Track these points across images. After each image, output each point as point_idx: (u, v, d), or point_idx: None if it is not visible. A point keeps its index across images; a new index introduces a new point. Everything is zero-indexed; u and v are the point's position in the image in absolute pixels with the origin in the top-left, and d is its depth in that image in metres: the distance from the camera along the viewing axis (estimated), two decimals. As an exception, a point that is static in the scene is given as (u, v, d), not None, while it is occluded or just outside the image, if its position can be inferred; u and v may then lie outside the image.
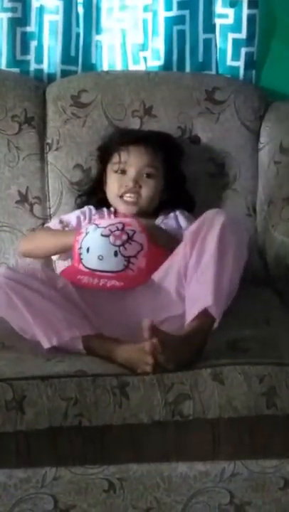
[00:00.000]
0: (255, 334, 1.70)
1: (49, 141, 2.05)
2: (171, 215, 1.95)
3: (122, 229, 1.75)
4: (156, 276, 1.75)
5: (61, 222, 1.96)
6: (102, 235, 1.75)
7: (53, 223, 1.98)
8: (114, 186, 1.93)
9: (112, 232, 1.75)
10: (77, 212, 1.98)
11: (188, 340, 1.57)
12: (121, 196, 1.92)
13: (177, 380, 1.52)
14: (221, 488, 1.59)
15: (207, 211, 1.70)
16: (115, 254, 1.73)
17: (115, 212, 1.97)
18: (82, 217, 1.96)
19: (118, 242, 1.74)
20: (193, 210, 1.99)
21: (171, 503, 1.59)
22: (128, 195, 1.91)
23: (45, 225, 2.00)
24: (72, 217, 1.97)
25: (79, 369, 1.54)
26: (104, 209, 1.98)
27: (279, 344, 1.66)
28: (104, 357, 1.60)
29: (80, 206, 2.02)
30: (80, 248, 1.77)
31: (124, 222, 1.78)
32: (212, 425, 1.54)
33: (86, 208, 1.98)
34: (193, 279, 1.65)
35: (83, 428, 1.51)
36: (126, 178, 1.91)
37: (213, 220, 1.66)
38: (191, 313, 1.61)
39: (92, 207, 1.99)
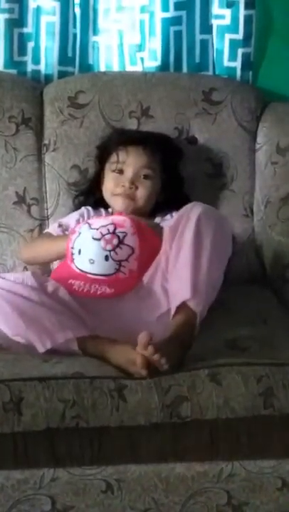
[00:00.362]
0: (253, 334, 1.70)
1: (46, 142, 2.05)
2: (168, 216, 1.95)
3: (113, 232, 1.75)
4: (145, 276, 1.76)
5: (60, 225, 1.96)
6: (94, 238, 1.75)
7: (53, 228, 1.98)
8: (110, 185, 1.93)
9: (103, 235, 1.74)
10: (76, 214, 1.98)
11: (175, 338, 1.57)
12: (116, 194, 1.92)
13: (175, 382, 1.52)
14: (219, 489, 1.59)
15: (185, 206, 1.71)
16: (106, 258, 1.73)
17: (112, 213, 1.97)
18: (80, 219, 1.95)
19: (109, 247, 1.74)
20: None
21: (169, 503, 1.59)
22: (124, 195, 1.91)
23: (45, 231, 2.00)
24: (71, 221, 1.96)
25: (77, 371, 1.54)
26: (102, 210, 1.98)
27: (276, 344, 1.67)
28: (99, 358, 1.60)
29: (77, 207, 2.02)
30: (73, 248, 1.77)
31: (115, 223, 1.77)
32: (210, 426, 1.54)
33: (84, 209, 1.99)
34: (173, 274, 1.66)
35: (81, 429, 1.52)
36: (123, 178, 1.92)
37: (189, 214, 1.67)
38: (172, 308, 1.62)
39: (89, 208, 1.99)
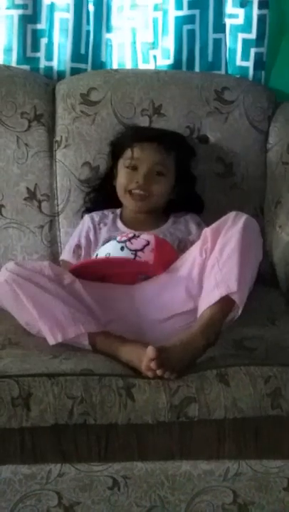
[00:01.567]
0: (261, 334, 1.71)
1: (58, 138, 2.05)
2: (182, 219, 1.96)
3: (131, 231, 1.77)
4: (166, 273, 1.76)
5: (74, 251, 1.94)
6: (109, 240, 1.77)
7: (68, 256, 1.94)
8: (124, 181, 1.93)
9: (118, 234, 1.76)
10: (83, 230, 1.95)
11: (200, 332, 1.57)
12: (130, 192, 1.92)
13: (183, 383, 1.53)
14: (225, 488, 1.60)
15: (229, 213, 1.72)
16: (121, 249, 1.74)
17: (121, 214, 1.97)
18: (89, 232, 1.94)
19: (124, 239, 1.75)
20: (202, 212, 1.99)
21: (175, 501, 1.60)
22: (137, 191, 1.91)
23: (61, 259, 1.97)
24: (81, 239, 1.94)
25: (85, 368, 1.55)
26: (110, 214, 1.97)
27: (284, 345, 1.67)
28: (110, 355, 1.61)
29: (88, 203, 2.02)
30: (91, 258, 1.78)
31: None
32: (217, 425, 1.55)
33: (87, 218, 1.97)
34: (215, 268, 1.65)
35: (88, 426, 1.52)
36: (137, 174, 1.92)
37: (236, 219, 1.68)
38: (212, 298, 1.61)
39: (93, 214, 1.98)
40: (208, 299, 1.62)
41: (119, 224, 1.95)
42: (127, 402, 1.51)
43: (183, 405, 1.52)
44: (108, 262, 1.75)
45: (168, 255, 1.77)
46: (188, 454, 1.58)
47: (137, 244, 1.74)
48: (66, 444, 1.54)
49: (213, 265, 1.66)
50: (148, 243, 1.75)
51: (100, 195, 2.02)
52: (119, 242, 1.75)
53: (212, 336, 1.57)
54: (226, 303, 1.60)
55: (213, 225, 1.72)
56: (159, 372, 1.51)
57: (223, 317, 1.60)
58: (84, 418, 1.51)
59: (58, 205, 2.05)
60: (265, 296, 1.89)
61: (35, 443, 1.54)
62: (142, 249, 1.74)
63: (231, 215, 1.71)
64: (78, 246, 1.94)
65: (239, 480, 1.60)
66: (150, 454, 1.57)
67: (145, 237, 1.77)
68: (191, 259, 1.73)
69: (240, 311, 1.62)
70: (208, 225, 1.76)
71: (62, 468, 1.56)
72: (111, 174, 1.99)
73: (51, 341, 1.62)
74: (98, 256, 1.77)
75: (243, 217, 1.69)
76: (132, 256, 1.73)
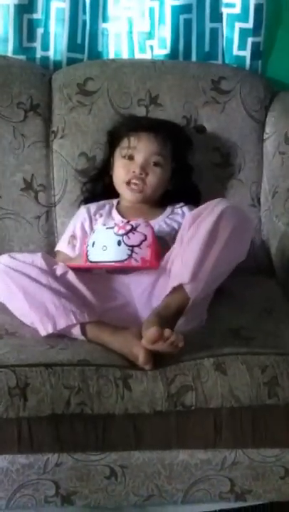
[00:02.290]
0: (258, 324, 1.71)
1: (54, 128, 2.05)
2: (179, 210, 1.96)
3: (128, 222, 1.76)
4: (160, 262, 1.76)
5: (69, 242, 1.94)
6: (108, 228, 1.76)
7: (63, 246, 1.94)
8: (120, 172, 1.93)
9: (116, 224, 1.76)
10: (78, 220, 1.95)
11: (162, 315, 1.58)
12: (127, 183, 1.92)
13: (180, 372, 1.53)
14: (222, 477, 1.60)
15: (214, 199, 1.71)
16: (118, 243, 1.73)
17: (118, 204, 1.97)
18: (84, 222, 1.94)
19: (121, 232, 1.75)
20: (199, 202, 1.99)
21: (172, 490, 1.60)
22: (134, 181, 1.91)
23: (56, 249, 1.97)
24: (76, 229, 1.94)
25: (82, 358, 1.55)
26: (106, 204, 1.97)
27: (281, 334, 1.67)
28: (102, 345, 1.61)
29: (85, 193, 2.02)
30: (87, 246, 1.78)
31: (129, 219, 1.79)
32: (214, 414, 1.55)
33: (83, 209, 1.97)
34: (179, 258, 1.66)
35: (85, 416, 1.53)
36: (133, 164, 1.91)
37: (214, 207, 1.67)
38: (169, 287, 1.63)
39: (89, 205, 1.98)
40: (167, 288, 1.63)
41: (116, 214, 1.95)
42: (124, 392, 1.51)
43: (180, 394, 1.52)
44: (104, 267, 1.75)
45: (161, 248, 1.77)
46: (185, 444, 1.58)
47: (135, 239, 1.74)
48: (63, 434, 1.55)
49: (178, 254, 1.67)
50: (145, 238, 1.75)
51: (97, 185, 2.02)
52: (116, 234, 1.75)
53: (167, 322, 1.56)
54: (180, 293, 1.61)
55: (193, 212, 1.72)
56: (180, 340, 1.50)
57: (176, 307, 1.60)
58: (81, 408, 1.51)
59: (54, 196, 2.05)
60: (262, 286, 1.90)
61: (32, 433, 1.54)
62: (138, 245, 1.73)
63: (213, 202, 1.69)
64: (73, 236, 1.94)
65: (236, 469, 1.60)
66: (147, 444, 1.57)
67: (142, 229, 1.76)
68: (174, 249, 1.73)
69: (190, 302, 1.60)
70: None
71: (59, 458, 1.57)
72: (108, 164, 1.99)
73: (42, 332, 1.63)
74: (95, 244, 1.76)
75: (222, 207, 1.66)
76: (129, 252, 1.73)
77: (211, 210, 1.66)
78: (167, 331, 1.51)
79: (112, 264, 1.72)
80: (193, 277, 1.60)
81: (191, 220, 1.69)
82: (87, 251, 1.76)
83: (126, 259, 1.72)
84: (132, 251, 1.73)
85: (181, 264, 1.63)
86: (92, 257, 1.74)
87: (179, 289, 1.61)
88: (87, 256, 1.75)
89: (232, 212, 1.66)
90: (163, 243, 1.79)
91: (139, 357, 1.53)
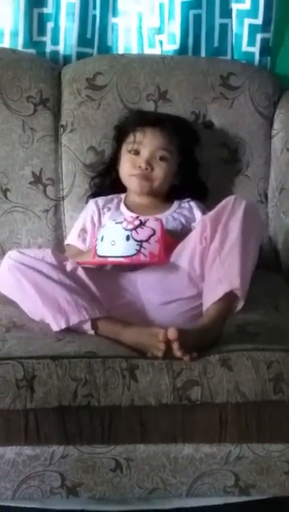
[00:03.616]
0: (264, 319, 1.71)
1: (63, 123, 2.06)
2: (186, 205, 1.96)
3: (137, 217, 1.77)
4: (172, 259, 1.76)
5: (80, 235, 1.95)
6: (116, 223, 1.77)
7: (73, 239, 1.95)
8: (126, 166, 1.94)
9: (125, 219, 1.76)
10: (87, 214, 1.96)
11: (210, 326, 1.59)
12: (133, 175, 1.93)
13: (186, 366, 1.54)
14: (227, 471, 1.61)
15: (226, 198, 1.71)
16: (127, 238, 1.74)
17: (126, 199, 1.98)
18: (93, 215, 1.95)
19: (130, 227, 1.75)
20: (206, 198, 2.00)
21: (177, 484, 1.61)
22: (140, 175, 1.91)
23: (66, 243, 1.98)
24: (86, 222, 1.95)
25: (89, 350, 1.56)
26: (114, 199, 1.98)
27: (287, 330, 1.68)
28: (113, 339, 1.62)
29: (93, 187, 2.03)
30: (96, 240, 1.78)
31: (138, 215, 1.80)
32: (219, 409, 1.56)
33: (92, 203, 1.98)
34: (216, 262, 1.65)
35: (92, 408, 1.54)
36: (139, 158, 1.92)
37: (235, 206, 1.68)
38: (216, 294, 1.62)
39: (98, 199, 1.99)
40: (212, 295, 1.63)
41: (123, 208, 1.96)
42: (130, 384, 1.52)
43: (186, 388, 1.53)
44: (112, 263, 1.75)
45: (171, 242, 1.78)
46: (190, 437, 1.59)
47: (143, 234, 1.74)
48: (70, 426, 1.56)
49: (214, 258, 1.66)
50: (154, 232, 1.75)
51: (105, 179, 2.03)
52: (125, 229, 1.75)
53: (219, 330, 1.59)
54: (229, 297, 1.62)
55: (212, 212, 1.72)
56: (179, 353, 1.52)
57: (228, 311, 1.62)
58: (88, 400, 1.52)
59: (62, 190, 2.06)
60: (268, 282, 1.90)
61: (39, 424, 1.55)
62: (147, 240, 1.74)
63: (230, 200, 1.70)
64: (83, 230, 1.95)
65: (241, 463, 1.61)
66: (153, 437, 1.58)
67: (151, 224, 1.76)
68: (191, 247, 1.73)
69: (242, 304, 1.63)
70: (210, 210, 1.76)
71: (65, 450, 1.58)
72: (116, 159, 2.00)
73: (55, 328, 1.63)
74: (104, 239, 1.76)
75: (243, 204, 1.68)
76: (138, 247, 1.73)
77: (232, 210, 1.68)
78: (181, 353, 1.51)
79: (121, 260, 1.73)
80: (242, 281, 1.61)
81: (211, 222, 1.69)
82: (96, 245, 1.77)
83: (134, 254, 1.72)
84: (141, 246, 1.73)
85: (224, 269, 1.63)
86: (101, 252, 1.75)
87: (228, 294, 1.62)
88: (96, 250, 1.76)
89: (251, 208, 1.69)
90: (173, 235, 1.80)
91: (160, 334, 1.52)
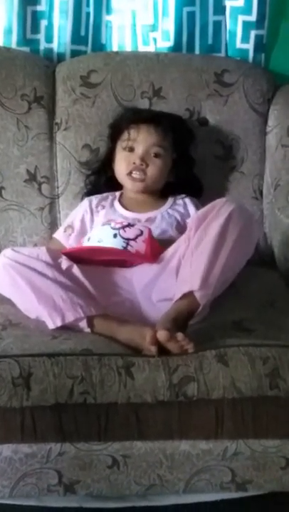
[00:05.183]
0: (260, 315, 1.72)
1: (58, 120, 2.06)
2: (180, 201, 1.97)
3: (125, 220, 1.77)
4: (163, 256, 1.77)
5: (65, 230, 1.96)
6: (104, 225, 1.78)
7: (59, 234, 1.97)
8: (121, 163, 1.94)
9: (113, 220, 1.77)
10: (79, 213, 1.97)
11: (173, 319, 1.59)
12: (129, 174, 1.93)
13: (182, 362, 1.54)
14: (223, 467, 1.61)
15: (218, 199, 1.71)
16: (114, 236, 1.75)
17: (120, 197, 1.98)
18: (84, 215, 1.96)
19: (118, 226, 1.77)
20: (201, 195, 2.00)
21: (174, 480, 1.61)
22: (135, 172, 1.92)
23: (54, 236, 1.99)
24: (75, 221, 1.96)
25: (85, 348, 1.56)
26: (109, 196, 1.98)
27: (283, 326, 1.68)
28: (109, 336, 1.62)
29: (88, 185, 2.03)
30: (83, 242, 1.79)
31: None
32: (216, 405, 1.56)
33: (86, 202, 1.98)
34: (188, 262, 1.66)
35: (88, 405, 1.54)
36: (133, 155, 1.92)
37: (221, 208, 1.67)
38: (177, 294, 1.63)
39: (92, 197, 1.99)
40: (176, 293, 1.63)
41: (118, 206, 1.96)
42: (126, 381, 1.52)
43: (182, 384, 1.53)
44: (93, 250, 1.75)
45: (158, 248, 1.78)
46: (187, 434, 1.59)
47: (130, 233, 1.75)
48: (66, 423, 1.56)
49: (187, 258, 1.67)
50: (141, 233, 1.76)
51: (100, 177, 2.03)
52: (113, 228, 1.77)
53: (178, 328, 1.56)
54: (190, 298, 1.61)
55: (199, 212, 1.72)
56: (191, 347, 1.52)
57: (187, 311, 1.61)
58: (84, 397, 1.52)
59: (58, 188, 2.06)
60: (264, 278, 1.90)
61: (35, 422, 1.55)
62: (134, 239, 1.75)
63: (219, 202, 1.69)
64: (70, 226, 1.96)
65: (237, 459, 1.61)
66: (149, 433, 1.58)
67: (139, 226, 1.78)
68: (180, 248, 1.73)
69: (200, 308, 1.62)
70: (204, 207, 1.76)
71: (62, 447, 1.58)
72: (111, 156, 2.00)
73: (50, 326, 1.63)
74: (90, 239, 1.78)
75: (230, 208, 1.65)
76: (124, 244, 1.74)
77: (217, 212, 1.66)
78: (180, 335, 1.52)
79: (106, 248, 1.72)
80: (203, 284, 1.60)
81: (197, 221, 1.69)
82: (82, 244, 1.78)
83: (121, 250, 1.73)
84: (128, 244, 1.74)
85: (190, 270, 1.63)
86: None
87: (189, 294, 1.61)
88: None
89: (239, 213, 1.66)
90: (163, 244, 1.80)
91: (147, 336, 1.53)
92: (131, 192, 1.96)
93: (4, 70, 2.04)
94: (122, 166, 1.94)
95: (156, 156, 1.93)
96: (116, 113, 2.03)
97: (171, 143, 1.94)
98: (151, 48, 2.19)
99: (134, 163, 1.92)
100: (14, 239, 2.03)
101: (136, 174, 1.92)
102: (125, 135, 1.94)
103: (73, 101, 2.05)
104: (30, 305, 1.67)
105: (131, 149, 1.93)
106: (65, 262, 1.72)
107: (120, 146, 1.95)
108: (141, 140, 1.92)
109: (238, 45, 2.19)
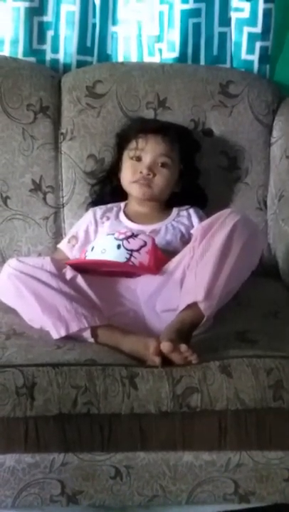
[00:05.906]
0: (263, 326, 1.72)
1: (63, 130, 2.06)
2: (185, 212, 1.97)
3: (129, 230, 1.78)
4: (167, 267, 1.77)
5: (70, 241, 1.97)
6: (108, 235, 1.78)
7: (63, 245, 1.97)
8: (128, 172, 1.95)
9: (117, 230, 1.77)
10: (83, 223, 1.97)
11: (176, 330, 1.59)
12: (135, 181, 1.93)
13: (186, 373, 1.54)
14: (226, 478, 1.61)
15: (224, 210, 1.71)
16: (118, 247, 1.76)
17: (125, 208, 1.98)
18: (89, 226, 1.96)
19: (121, 237, 1.77)
20: (205, 206, 2.00)
21: (177, 491, 1.61)
22: (141, 182, 1.92)
23: (58, 246, 2.00)
24: (80, 231, 1.96)
25: (89, 358, 1.56)
26: (114, 207, 1.98)
27: (286, 337, 1.68)
28: (113, 347, 1.62)
29: (93, 195, 2.03)
30: (86, 251, 1.79)
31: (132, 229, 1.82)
32: (219, 416, 1.56)
33: (90, 213, 1.99)
34: (192, 272, 1.66)
35: (92, 416, 1.54)
36: (141, 165, 1.93)
37: (226, 219, 1.67)
38: (181, 305, 1.63)
39: (97, 208, 1.99)
40: (180, 304, 1.63)
41: (123, 217, 1.96)
42: (130, 391, 1.52)
43: (185, 395, 1.53)
44: (97, 264, 1.76)
45: (162, 258, 1.78)
46: (190, 445, 1.59)
47: (134, 244, 1.76)
48: (70, 434, 1.56)
49: (192, 268, 1.66)
50: (145, 244, 1.77)
51: (106, 187, 2.03)
52: (116, 239, 1.77)
53: (182, 339, 1.56)
54: (195, 310, 1.61)
55: (204, 223, 1.72)
56: (194, 358, 1.52)
57: (191, 322, 1.61)
58: (87, 407, 1.52)
59: (62, 197, 2.07)
60: (267, 289, 1.91)
61: (39, 432, 1.55)
62: (138, 250, 1.75)
63: (224, 213, 1.69)
64: (74, 237, 1.96)
65: (240, 471, 1.61)
66: (152, 444, 1.58)
67: (143, 237, 1.78)
68: (184, 258, 1.73)
69: (204, 319, 1.61)
70: (208, 218, 1.76)
71: (65, 458, 1.58)
72: (117, 166, 2.00)
73: (55, 336, 1.64)
74: (94, 249, 1.78)
75: (235, 219, 1.66)
76: (128, 256, 1.75)
77: (222, 223, 1.66)
78: (183, 347, 1.52)
79: (110, 261, 1.73)
80: (207, 295, 1.60)
81: (202, 232, 1.69)
82: (85, 256, 1.78)
83: (124, 263, 1.74)
84: (131, 255, 1.74)
85: (195, 280, 1.63)
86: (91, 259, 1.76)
87: (193, 305, 1.61)
88: (85, 257, 1.78)
89: (244, 224, 1.67)
90: (168, 255, 1.80)
91: (150, 347, 1.53)
92: (137, 200, 1.96)
93: (10, 80, 2.05)
94: (128, 175, 1.95)
95: (164, 165, 1.93)
96: (121, 123, 2.04)
97: (178, 153, 1.95)
98: (156, 59, 2.20)
99: (141, 172, 1.92)
100: (19, 248, 2.04)
101: (143, 180, 1.92)
102: (133, 144, 1.95)
103: (79, 111, 2.06)
104: (34, 315, 1.67)
105: (138, 159, 1.94)
106: (69, 272, 1.72)
107: (128, 155, 1.96)
108: (149, 150, 1.93)
109: (243, 56, 2.20)
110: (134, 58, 2.21)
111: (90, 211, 2.00)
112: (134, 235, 1.78)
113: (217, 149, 2.07)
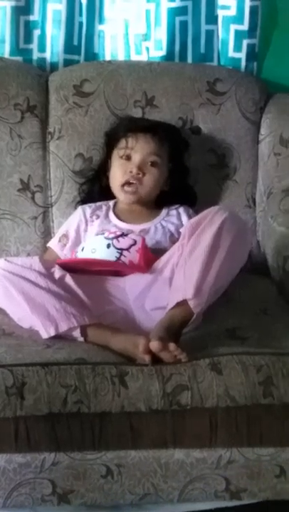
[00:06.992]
0: (253, 323, 1.72)
1: (51, 129, 2.06)
2: (174, 211, 1.97)
3: (119, 229, 1.78)
4: (156, 265, 1.77)
5: (60, 240, 1.96)
6: (98, 234, 1.78)
7: (53, 244, 1.97)
8: (118, 172, 1.94)
9: (107, 230, 1.77)
10: (73, 222, 1.97)
11: (166, 328, 1.59)
12: (122, 185, 1.93)
13: (176, 371, 1.54)
14: (218, 475, 1.61)
15: (211, 207, 1.71)
16: (108, 246, 1.76)
17: (114, 206, 1.98)
18: (79, 224, 1.96)
19: (111, 236, 1.77)
20: (195, 204, 2.00)
21: (168, 489, 1.61)
22: (131, 181, 1.91)
23: (48, 245, 2.00)
24: (70, 230, 1.96)
25: (79, 357, 1.56)
26: (103, 206, 1.98)
27: (276, 334, 1.68)
28: (102, 345, 1.62)
29: (82, 194, 2.03)
30: (76, 252, 1.79)
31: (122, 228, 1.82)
32: (209, 414, 1.56)
33: (80, 211, 1.98)
34: (181, 270, 1.66)
35: (82, 414, 1.53)
36: (130, 164, 1.93)
37: (215, 216, 1.67)
38: (171, 302, 1.63)
39: (86, 206, 1.99)
40: (170, 301, 1.63)
41: (112, 216, 1.96)
42: (120, 390, 1.52)
43: (175, 393, 1.53)
44: (88, 263, 1.76)
45: (152, 257, 1.78)
46: (181, 443, 1.59)
47: (124, 243, 1.76)
48: (60, 433, 1.56)
49: (181, 266, 1.67)
50: (135, 242, 1.77)
51: (94, 186, 2.03)
52: (106, 238, 1.77)
53: (172, 336, 1.56)
54: (185, 307, 1.61)
55: (192, 220, 1.72)
56: (184, 357, 1.52)
57: (180, 320, 1.61)
58: (78, 406, 1.52)
59: (51, 197, 2.06)
60: (257, 286, 1.91)
61: (29, 432, 1.55)
62: (127, 249, 1.75)
63: (212, 210, 1.69)
64: (65, 235, 1.96)
65: (231, 468, 1.61)
66: (143, 443, 1.58)
67: (133, 236, 1.78)
68: (173, 256, 1.73)
69: (194, 317, 1.61)
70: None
71: (56, 457, 1.58)
72: (105, 165, 2.00)
73: (44, 335, 1.63)
74: (84, 249, 1.78)
75: (223, 216, 1.66)
76: (118, 254, 1.75)
77: (210, 220, 1.67)
78: (172, 346, 1.52)
79: (100, 260, 1.73)
80: (196, 292, 1.60)
81: (190, 230, 1.69)
82: (76, 257, 1.78)
83: (114, 261, 1.74)
84: (121, 254, 1.75)
85: (184, 278, 1.63)
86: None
87: (182, 303, 1.61)
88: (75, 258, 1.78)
89: (232, 221, 1.67)
90: (157, 254, 1.80)
91: (140, 345, 1.53)
92: (124, 202, 1.96)
93: (-3, 79, 2.04)
94: (118, 175, 1.94)
95: (153, 164, 1.93)
96: (109, 122, 2.04)
97: (167, 152, 1.95)
98: (143, 57, 2.20)
99: (130, 171, 1.92)
100: (7, 248, 2.03)
101: (130, 185, 1.92)
102: (122, 143, 1.95)
103: (66, 110, 2.05)
104: (23, 315, 1.67)
105: (128, 158, 1.94)
106: (58, 272, 1.72)
107: (117, 154, 1.96)
108: (138, 149, 1.93)
109: (231, 54, 2.20)
110: (121, 57, 2.20)
111: (80, 209, 1.99)
112: (123, 234, 1.79)
113: (205, 147, 2.07)
